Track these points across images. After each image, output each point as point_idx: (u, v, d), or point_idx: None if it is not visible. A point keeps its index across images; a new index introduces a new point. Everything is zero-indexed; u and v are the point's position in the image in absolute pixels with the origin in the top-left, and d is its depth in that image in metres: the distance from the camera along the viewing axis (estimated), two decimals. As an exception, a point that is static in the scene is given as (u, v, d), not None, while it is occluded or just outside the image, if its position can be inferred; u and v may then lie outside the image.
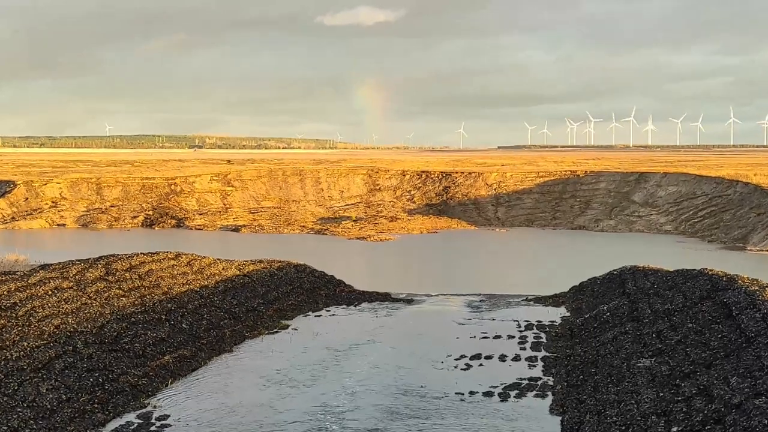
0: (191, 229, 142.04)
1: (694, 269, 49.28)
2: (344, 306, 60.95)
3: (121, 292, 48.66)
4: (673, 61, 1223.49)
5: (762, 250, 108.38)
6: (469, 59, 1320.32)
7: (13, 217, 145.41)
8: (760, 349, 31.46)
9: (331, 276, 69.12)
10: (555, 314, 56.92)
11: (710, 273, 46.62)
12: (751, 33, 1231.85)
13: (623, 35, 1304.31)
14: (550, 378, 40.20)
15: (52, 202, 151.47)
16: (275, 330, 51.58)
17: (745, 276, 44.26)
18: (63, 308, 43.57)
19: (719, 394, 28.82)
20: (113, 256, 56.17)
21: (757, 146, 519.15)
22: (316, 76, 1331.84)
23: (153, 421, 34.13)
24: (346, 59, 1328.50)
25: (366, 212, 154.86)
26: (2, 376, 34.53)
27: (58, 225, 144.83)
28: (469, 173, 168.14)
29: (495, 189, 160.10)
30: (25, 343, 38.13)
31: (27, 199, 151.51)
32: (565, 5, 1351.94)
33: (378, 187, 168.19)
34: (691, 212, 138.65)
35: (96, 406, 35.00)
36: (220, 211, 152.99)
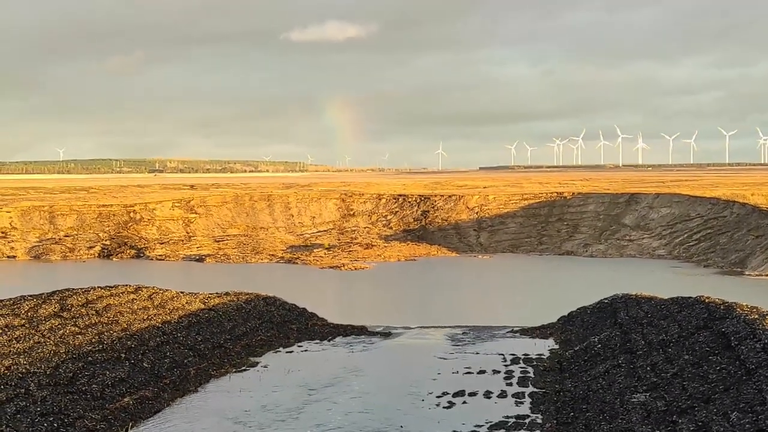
0: (152, 259, 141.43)
1: (690, 297, 49.56)
2: (317, 341, 60.80)
3: (76, 329, 48.34)
4: (664, 75, 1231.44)
5: (761, 275, 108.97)
6: (447, 75, 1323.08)
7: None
8: (762, 382, 31.60)
9: (303, 309, 68.99)
10: (543, 347, 57.00)
11: (707, 301, 46.88)
12: (747, 45, 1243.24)
13: (611, 48, 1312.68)
14: (539, 416, 40.21)
15: (1, 232, 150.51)
16: (243, 368, 51.37)
17: (743, 303, 44.53)
18: (14, 348, 43.25)
19: (719, 431, 28.90)
20: (68, 290, 55.89)
21: (754, 164, 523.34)
22: (283, 95, 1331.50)
23: (112, 468, 33.89)
24: (315, 76, 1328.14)
25: (339, 239, 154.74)
26: (-51, 423, 34.19)
27: (7, 257, 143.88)
28: (449, 196, 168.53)
29: (477, 213, 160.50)
30: (-26, 386, 37.79)
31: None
32: (548, 16, 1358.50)
33: (352, 212, 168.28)
34: (686, 235, 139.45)
35: (51, 453, 34.70)
36: (182, 240, 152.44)
